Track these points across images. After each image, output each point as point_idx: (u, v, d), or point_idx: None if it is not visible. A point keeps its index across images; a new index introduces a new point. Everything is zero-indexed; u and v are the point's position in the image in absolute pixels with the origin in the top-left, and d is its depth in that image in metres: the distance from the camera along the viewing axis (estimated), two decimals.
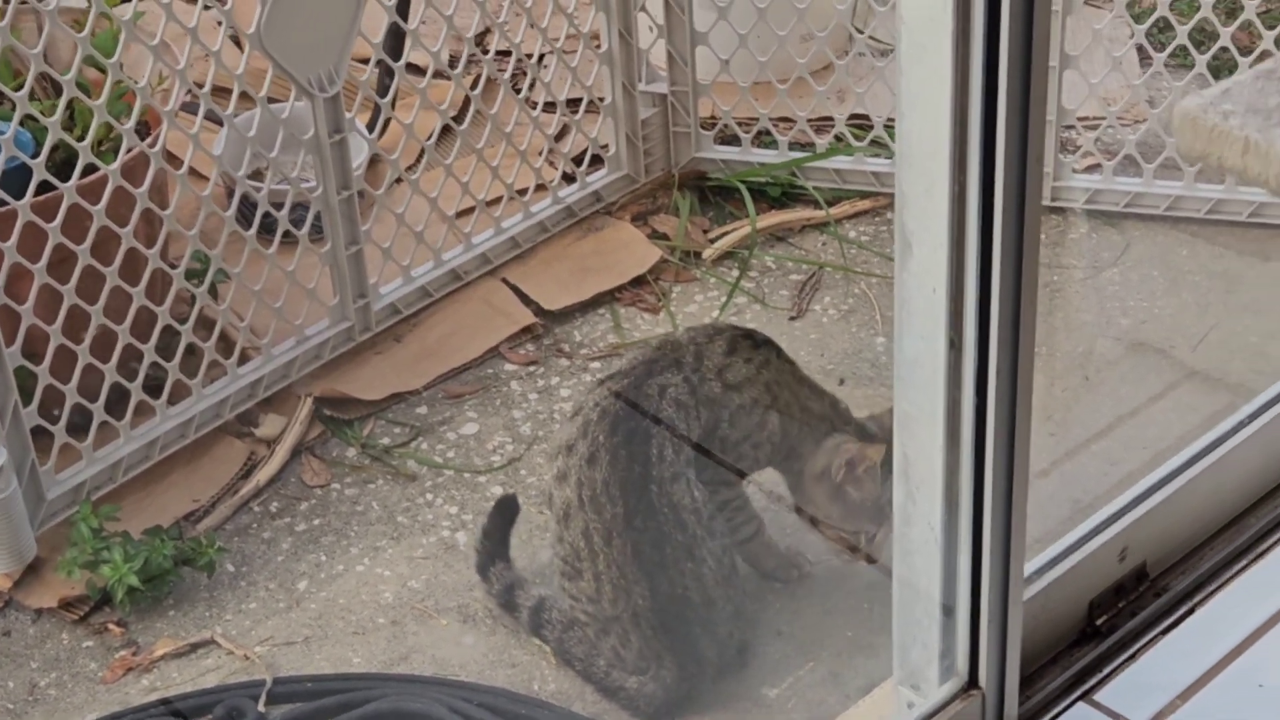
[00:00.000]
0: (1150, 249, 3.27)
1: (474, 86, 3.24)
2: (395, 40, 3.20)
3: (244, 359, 2.99)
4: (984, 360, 1.89)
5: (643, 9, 3.34)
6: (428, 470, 2.93)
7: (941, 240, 1.83)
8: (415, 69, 3.08)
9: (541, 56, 3.37)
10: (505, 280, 3.28)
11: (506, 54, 3.48)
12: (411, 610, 2.68)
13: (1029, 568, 2.18)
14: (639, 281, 3.28)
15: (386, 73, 3.20)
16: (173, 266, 2.80)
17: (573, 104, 3.36)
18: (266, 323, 2.98)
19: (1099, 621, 2.30)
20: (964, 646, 2.11)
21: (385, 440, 2.99)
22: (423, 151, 3.18)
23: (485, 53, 3.20)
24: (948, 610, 2.08)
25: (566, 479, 2.46)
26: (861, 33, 3.41)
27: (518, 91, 3.25)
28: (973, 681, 2.12)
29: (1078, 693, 2.23)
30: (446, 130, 3.27)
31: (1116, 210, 3.33)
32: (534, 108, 3.40)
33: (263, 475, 2.91)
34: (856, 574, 2.67)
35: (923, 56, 1.74)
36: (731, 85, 3.40)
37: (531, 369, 3.12)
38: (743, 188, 3.39)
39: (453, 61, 3.30)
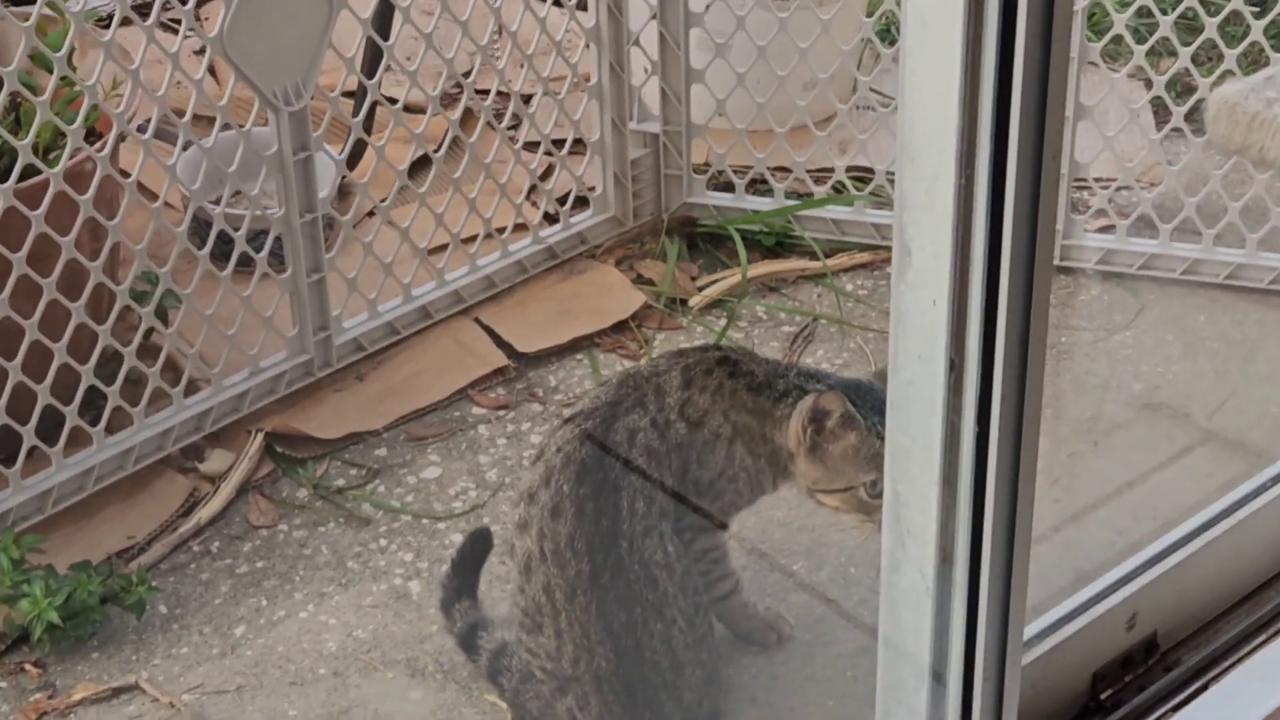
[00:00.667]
0: (1166, 313, 3.07)
1: (455, 117, 3.05)
2: (372, 60, 3.02)
3: (191, 389, 2.79)
4: (988, 384, 1.69)
5: (636, 44, 3.17)
6: (383, 515, 2.72)
7: (944, 246, 1.63)
8: (392, 100, 2.90)
9: (528, 98, 3.19)
10: (478, 320, 3.09)
11: (486, 92, 3.31)
12: (356, 661, 2.46)
13: (1028, 632, 1.97)
14: (621, 327, 3.08)
15: (361, 98, 3.02)
16: (119, 284, 2.61)
17: (558, 144, 3.18)
18: (218, 351, 2.78)
19: (1103, 696, 2.09)
20: (955, 716, 1.89)
21: (340, 482, 2.79)
22: (397, 183, 2.99)
23: (468, 79, 3.02)
24: (938, 675, 1.87)
25: (528, 529, 2.26)
26: (868, 82, 3.24)
27: (501, 125, 3.06)
28: None
29: None
30: (424, 163, 3.08)
31: (1130, 272, 3.14)
32: (516, 144, 3.22)
33: (205, 513, 2.70)
34: (841, 639, 2.47)
35: (928, 34, 1.55)
36: (727, 129, 3.22)
37: (501, 413, 2.92)
38: (735, 233, 3.20)
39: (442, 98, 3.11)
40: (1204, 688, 2.13)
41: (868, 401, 2.21)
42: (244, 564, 2.64)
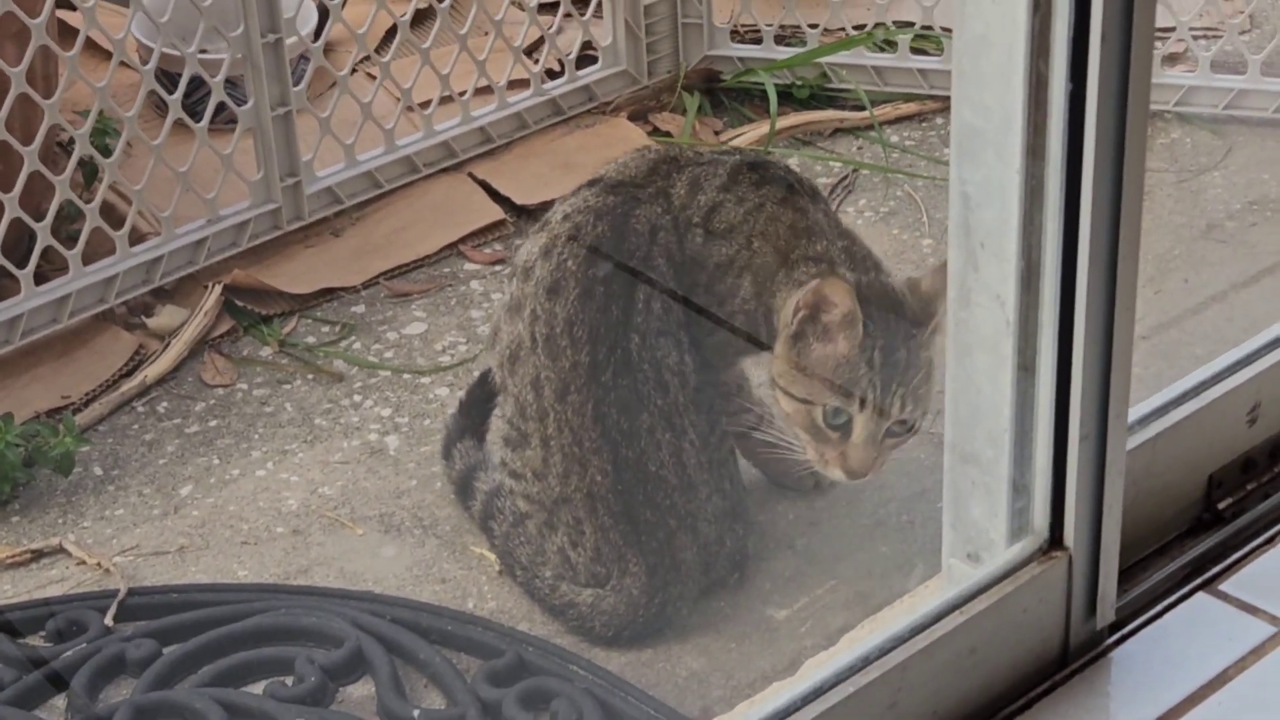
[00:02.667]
0: (1258, 154, 2.68)
1: None
2: None
3: (139, 238, 2.43)
4: (1083, 27, 1.31)
5: None
6: (359, 371, 2.35)
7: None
8: None
9: None
10: (471, 175, 2.71)
11: None
12: (320, 519, 2.09)
13: (1132, 415, 1.57)
14: None
15: None
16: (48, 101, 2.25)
17: (548, 7, 2.83)
18: (168, 195, 2.42)
19: (1221, 505, 1.70)
20: (1043, 494, 1.50)
21: (310, 339, 2.41)
22: (399, 36, 2.62)
23: None
24: (1021, 440, 1.48)
25: (519, 311, 1.88)
26: None
27: None
28: (1056, 541, 1.51)
29: (1197, 581, 1.62)
30: (425, 17, 2.71)
31: (1216, 112, 2.75)
32: (503, 6, 2.84)
33: (151, 372, 2.33)
34: (892, 484, 2.07)
35: None
36: None
37: (498, 268, 2.54)
38: (765, 76, 2.83)
39: None
40: None
41: (883, 309, 1.82)
42: (195, 423, 2.26)
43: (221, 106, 2.46)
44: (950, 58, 2.75)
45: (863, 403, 1.80)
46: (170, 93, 2.39)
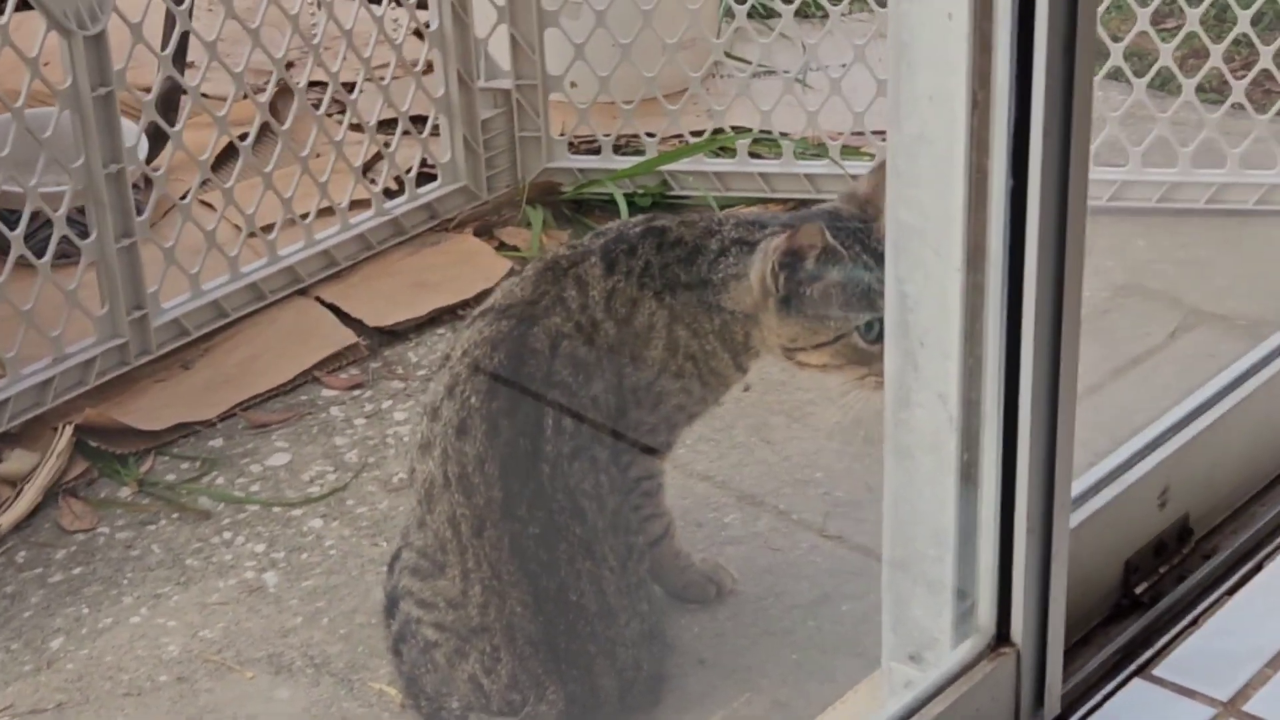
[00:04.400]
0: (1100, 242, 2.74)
1: (273, 104, 2.64)
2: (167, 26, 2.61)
3: None
4: (1023, 124, 1.32)
5: None
6: (226, 507, 2.26)
7: None
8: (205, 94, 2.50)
9: (353, 86, 2.77)
10: (319, 299, 2.65)
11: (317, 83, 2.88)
12: (205, 664, 2.00)
13: None
14: (485, 297, 2.66)
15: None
16: None
17: (386, 124, 2.80)
18: (11, 334, 2.32)
19: (1139, 590, 1.71)
20: (989, 590, 1.50)
21: (170, 477, 2.32)
22: (240, 162, 2.56)
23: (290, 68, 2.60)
24: (964, 536, 1.47)
25: (430, 450, 1.83)
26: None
27: (352, 98, 2.67)
28: (1002, 636, 1.51)
29: (1131, 668, 1.63)
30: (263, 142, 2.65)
31: (1098, 204, 2.80)
32: (341, 127, 2.79)
33: (6, 520, 2.22)
34: (793, 590, 2.06)
35: None
36: (590, 76, 2.85)
37: (356, 393, 2.48)
38: (613, 186, 2.82)
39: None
40: (1245, 579, 1.77)
41: (843, 226, 1.82)
42: (58, 572, 2.16)
43: (64, 240, 2.37)
44: (789, 160, 2.82)
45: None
46: (11, 229, 2.30)
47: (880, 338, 1.79)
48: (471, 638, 1.82)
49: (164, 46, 2.50)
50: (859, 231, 1.86)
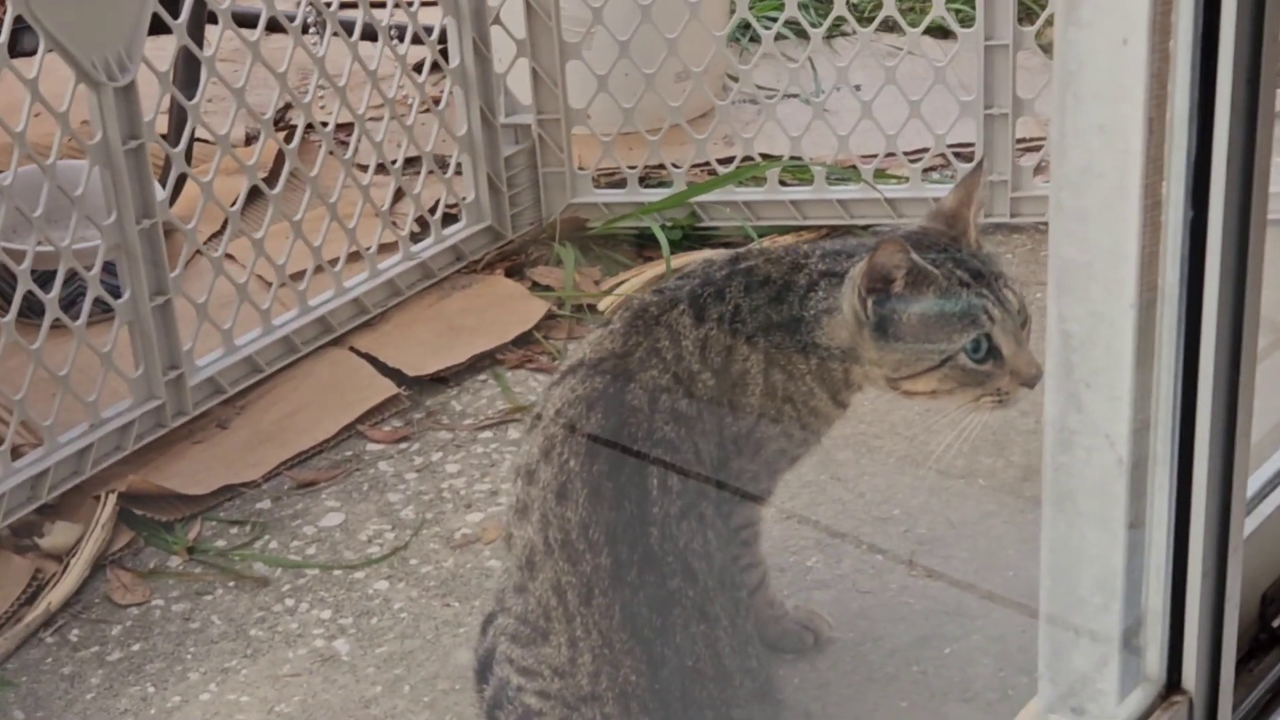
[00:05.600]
0: None
1: (289, 140, 2.54)
2: (189, 72, 2.53)
3: (18, 452, 2.22)
4: (1205, 151, 1.26)
5: (497, 21, 2.71)
6: (283, 572, 2.17)
7: None
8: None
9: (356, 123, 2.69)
10: (354, 349, 2.57)
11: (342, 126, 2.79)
12: None
13: None
14: (524, 340, 2.59)
15: (179, 117, 2.50)
16: None
17: (409, 164, 2.71)
18: (47, 402, 2.22)
19: (1276, 623, 1.65)
20: (1158, 637, 1.43)
21: (220, 543, 2.23)
22: (271, 211, 2.46)
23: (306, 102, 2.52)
24: (1131, 583, 1.41)
25: (528, 515, 1.75)
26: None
27: (378, 139, 2.59)
28: (1173, 685, 1.44)
29: None
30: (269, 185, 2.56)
31: None
32: (366, 170, 2.70)
33: (54, 596, 2.13)
34: (890, 633, 1.99)
35: None
36: (613, 108, 2.78)
37: (403, 446, 2.40)
38: (655, 224, 2.74)
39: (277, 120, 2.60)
40: None
41: (932, 244, 1.75)
42: (115, 649, 2.06)
43: (96, 300, 2.27)
44: (820, 187, 2.76)
45: (989, 316, 1.71)
46: (44, 290, 2.20)
47: (989, 355, 1.73)
48: (580, 706, 1.73)
49: (177, 86, 2.41)
50: (949, 247, 1.79)
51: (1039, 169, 2.79)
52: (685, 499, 1.73)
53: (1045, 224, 2.74)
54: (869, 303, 1.71)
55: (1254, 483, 1.67)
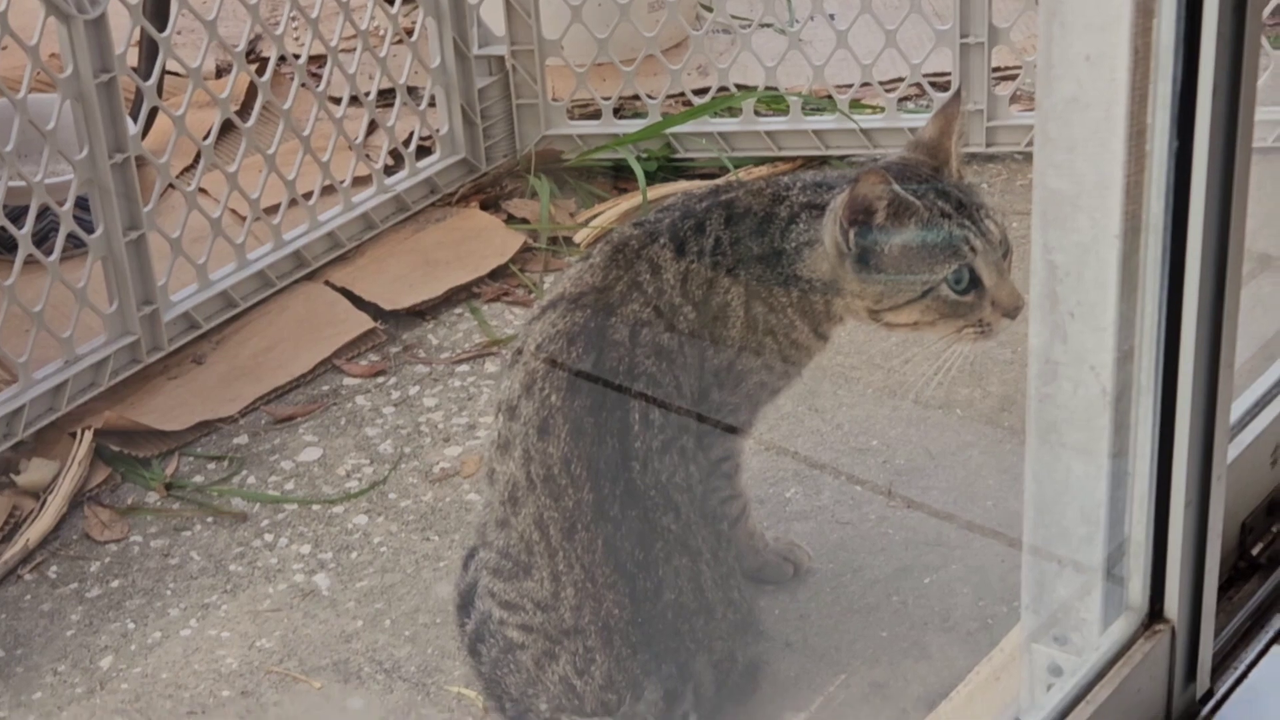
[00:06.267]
0: None
1: (261, 72, 2.51)
2: (159, 4, 2.50)
3: None
4: (1190, 81, 1.25)
5: None
6: (261, 508, 2.17)
7: None
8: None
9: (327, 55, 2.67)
10: (329, 283, 2.55)
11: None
12: (267, 676, 1.91)
13: None
14: (500, 274, 2.58)
15: (150, 50, 2.47)
16: None
17: (386, 95, 2.69)
18: (21, 338, 2.21)
19: (1255, 551, 1.66)
20: (1141, 567, 1.44)
21: (198, 478, 2.22)
22: (243, 144, 2.44)
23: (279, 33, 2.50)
24: (1114, 513, 1.41)
25: (509, 450, 1.74)
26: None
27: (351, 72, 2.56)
28: (1156, 614, 1.45)
29: (1268, 634, 1.58)
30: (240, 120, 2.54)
31: None
32: (339, 102, 2.68)
33: (32, 534, 2.12)
34: (871, 564, 2.00)
35: None
36: (587, 38, 2.76)
37: (380, 380, 2.39)
38: (630, 155, 2.73)
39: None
40: None
41: (914, 175, 1.74)
42: (95, 586, 2.06)
43: (69, 235, 2.26)
44: (796, 117, 2.75)
45: (971, 247, 1.70)
46: (19, 226, 2.18)
47: (971, 286, 1.72)
48: (563, 639, 1.74)
49: (148, 18, 2.38)
50: (930, 177, 1.78)
51: (1015, 98, 2.78)
52: (667, 433, 1.73)
53: (1022, 153, 2.76)
54: (850, 234, 1.71)
55: (1236, 410, 1.68)
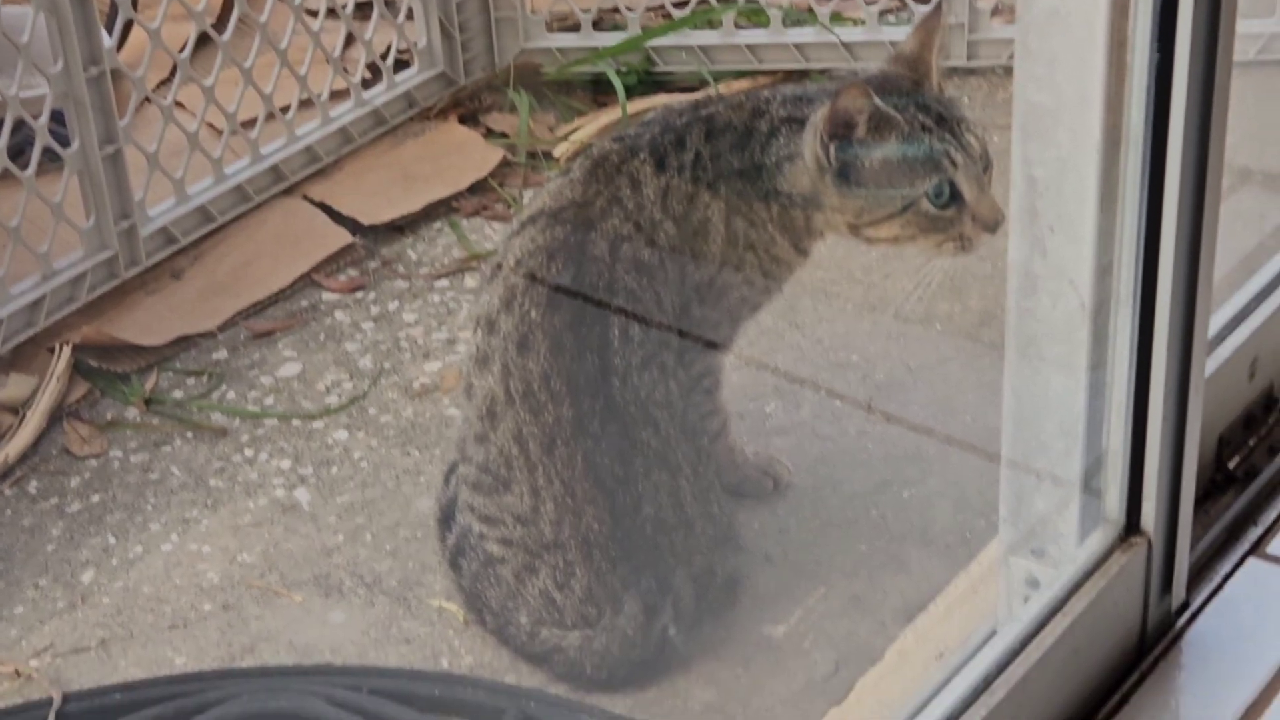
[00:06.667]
0: None
1: None
2: None
3: None
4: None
5: None
6: (241, 422, 2.17)
7: None
8: None
9: None
10: (307, 198, 2.54)
11: None
12: (249, 590, 1.92)
13: None
14: (480, 188, 2.57)
15: None
16: None
17: (363, 7, 2.67)
18: None
19: (1232, 464, 1.67)
20: (1118, 480, 1.44)
21: (177, 393, 2.22)
22: (221, 58, 2.42)
23: None
24: (1092, 426, 1.42)
25: (489, 365, 1.74)
26: None
27: None
28: (1132, 527, 1.45)
29: (1245, 547, 1.59)
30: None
31: None
32: (316, 15, 2.64)
33: (11, 449, 2.12)
34: (850, 478, 2.00)
35: None
36: None
37: (359, 295, 2.39)
38: (609, 69, 2.71)
39: None
40: None
41: (895, 89, 1.74)
42: (75, 501, 2.06)
43: (44, 150, 2.24)
44: (777, 30, 2.73)
45: (952, 161, 1.71)
46: None
47: (952, 200, 1.72)
48: (542, 553, 1.74)
49: None
50: (911, 91, 1.77)
51: (996, 11, 2.77)
52: (646, 348, 1.73)
53: (1003, 67, 2.75)
54: (831, 148, 1.70)
55: (1214, 324, 1.68)
